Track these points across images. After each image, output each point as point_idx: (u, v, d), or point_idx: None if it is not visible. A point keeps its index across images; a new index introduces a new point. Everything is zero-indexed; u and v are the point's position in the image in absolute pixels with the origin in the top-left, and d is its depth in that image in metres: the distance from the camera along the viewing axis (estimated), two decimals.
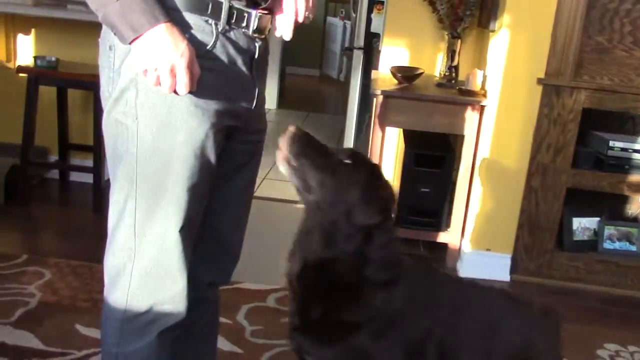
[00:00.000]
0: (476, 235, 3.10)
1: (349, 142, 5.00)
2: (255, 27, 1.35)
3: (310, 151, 1.37)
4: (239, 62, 1.35)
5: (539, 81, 2.88)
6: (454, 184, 3.21)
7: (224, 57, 1.32)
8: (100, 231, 3.32)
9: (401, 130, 3.58)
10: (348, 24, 8.16)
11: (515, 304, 1.66)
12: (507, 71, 2.91)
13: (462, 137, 3.12)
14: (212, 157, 1.36)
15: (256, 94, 1.44)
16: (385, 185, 1.40)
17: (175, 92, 1.24)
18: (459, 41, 3.25)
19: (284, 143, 1.39)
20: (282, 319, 2.48)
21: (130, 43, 1.22)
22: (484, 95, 3.04)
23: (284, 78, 7.45)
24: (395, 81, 3.20)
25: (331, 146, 1.43)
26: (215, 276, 1.65)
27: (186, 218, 1.36)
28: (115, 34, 1.24)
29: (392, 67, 3.28)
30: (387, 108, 3.04)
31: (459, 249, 3.18)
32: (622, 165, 3.00)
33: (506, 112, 2.95)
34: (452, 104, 3.02)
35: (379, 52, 4.34)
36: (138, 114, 1.30)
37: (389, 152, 3.73)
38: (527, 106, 2.93)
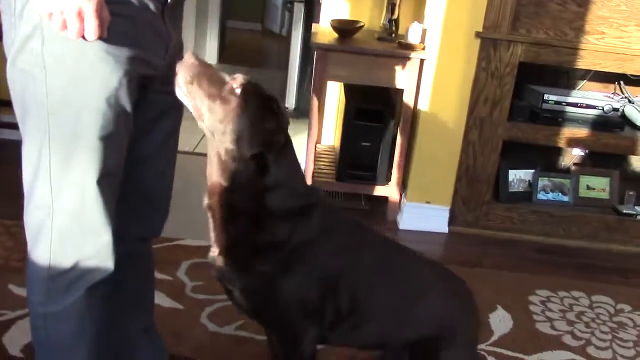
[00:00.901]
0: (415, 189, 3.14)
1: (291, 96, 4.97)
2: None
3: (203, 79, 1.37)
4: (151, 7, 1.31)
5: (477, 35, 2.91)
6: (394, 137, 3.24)
7: (135, 2, 1.27)
8: None
9: (342, 84, 3.57)
10: None
11: (440, 280, 1.68)
12: (446, 25, 2.92)
13: (402, 91, 3.14)
14: (127, 106, 1.32)
15: (170, 42, 1.40)
16: (273, 116, 1.39)
17: (83, 37, 1.18)
18: None
19: (179, 69, 1.39)
20: None
21: None
22: (423, 49, 3.04)
23: (224, 32, 7.28)
24: (335, 35, 3.17)
25: (229, 75, 1.42)
26: (144, 230, 1.63)
27: (104, 169, 1.32)
28: None
29: (332, 20, 3.25)
30: (327, 62, 3.02)
31: (399, 202, 3.23)
32: (556, 118, 3.08)
33: (445, 65, 2.97)
34: (391, 57, 3.01)
35: (319, 4, 4.29)
36: (45, 63, 1.24)
37: (330, 107, 3.72)
38: (465, 60, 2.96)
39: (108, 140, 1.31)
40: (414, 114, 3.11)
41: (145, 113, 1.44)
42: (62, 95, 1.25)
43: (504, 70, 2.95)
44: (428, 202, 3.15)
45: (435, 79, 2.99)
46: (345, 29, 3.16)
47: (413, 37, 3.08)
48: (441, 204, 3.15)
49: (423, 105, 3.05)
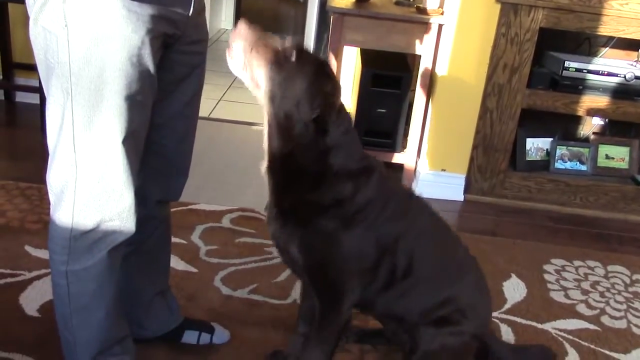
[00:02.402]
0: (432, 156, 3.12)
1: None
2: None
3: (259, 46, 1.39)
4: None
5: (497, 0, 2.84)
6: (410, 104, 3.20)
7: None
8: (16, 149, 3.22)
9: (359, 49, 3.52)
10: None
11: (472, 260, 1.75)
12: None
13: (420, 56, 3.09)
14: (150, 66, 1.31)
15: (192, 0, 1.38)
16: (329, 80, 1.42)
17: None
18: None
19: (232, 39, 1.40)
20: (237, 239, 2.49)
21: None
22: (442, 14, 2.98)
23: None
24: None
25: (280, 39, 1.42)
26: (164, 193, 1.63)
27: (128, 129, 1.32)
28: None
29: None
30: (344, 27, 2.97)
31: (415, 169, 3.20)
32: (577, 85, 3.02)
33: (464, 31, 2.91)
34: (409, 22, 2.96)
35: None
36: (67, 21, 1.23)
37: (347, 72, 3.68)
38: (484, 25, 2.90)
39: (131, 100, 1.30)
40: (431, 80, 3.06)
41: (168, 74, 1.43)
42: (84, 54, 1.25)
43: (524, 36, 2.89)
44: (444, 170, 3.13)
45: (454, 44, 2.93)
46: None
47: (431, 2, 3.02)
48: (457, 171, 3.12)
49: (441, 72, 3.00)
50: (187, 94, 1.53)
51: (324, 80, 1.40)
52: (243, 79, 1.43)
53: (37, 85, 3.23)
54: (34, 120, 3.27)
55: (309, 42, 4.84)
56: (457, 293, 1.64)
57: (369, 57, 3.33)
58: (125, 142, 1.33)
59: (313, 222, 1.48)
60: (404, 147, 3.22)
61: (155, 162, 1.54)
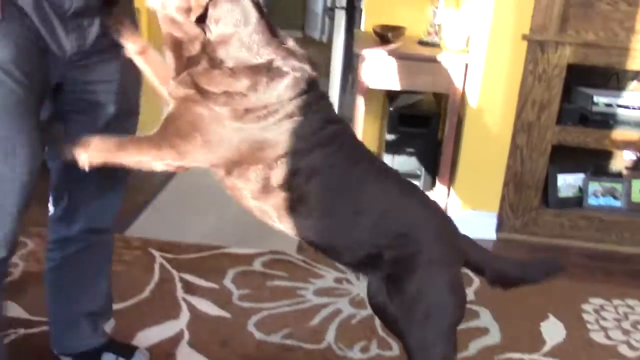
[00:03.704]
0: (462, 195, 3.10)
1: (333, 103, 4.95)
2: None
3: None
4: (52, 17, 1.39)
5: (524, 37, 2.85)
6: (439, 143, 3.20)
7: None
8: None
9: (385, 90, 3.54)
10: None
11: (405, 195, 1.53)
12: (492, 28, 2.87)
13: (447, 95, 3.09)
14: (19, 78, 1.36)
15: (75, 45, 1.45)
16: None
17: None
18: None
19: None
20: (269, 283, 2.48)
21: None
22: (468, 53, 3.00)
23: None
24: (378, 40, 3.15)
25: None
26: (92, 220, 1.73)
27: None
28: None
29: (375, 26, 3.23)
30: (371, 68, 3.00)
31: (445, 208, 3.18)
32: (607, 120, 2.99)
33: (491, 69, 2.92)
34: (435, 62, 2.98)
35: (361, 11, 4.27)
36: None
37: (373, 113, 3.69)
38: (512, 63, 2.90)
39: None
40: (459, 119, 3.06)
41: (69, 105, 1.55)
42: None
43: (552, 72, 2.89)
44: (475, 208, 3.10)
45: (482, 83, 2.94)
46: (388, 34, 3.14)
47: (457, 41, 3.04)
48: (488, 210, 3.09)
49: (469, 110, 3.00)
50: (99, 121, 1.58)
51: None
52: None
53: None
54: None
55: (334, 83, 4.88)
56: (381, 224, 1.46)
57: (395, 97, 3.35)
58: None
59: (202, 102, 1.38)
60: (433, 186, 3.21)
61: (81, 187, 1.64)
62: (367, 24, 3.53)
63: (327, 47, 7.02)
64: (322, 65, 7.67)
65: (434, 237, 1.51)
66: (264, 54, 1.38)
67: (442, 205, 3.16)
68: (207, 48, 1.39)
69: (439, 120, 3.21)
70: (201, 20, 1.36)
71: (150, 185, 3.42)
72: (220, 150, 1.41)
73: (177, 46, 1.43)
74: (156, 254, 2.62)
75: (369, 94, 3.09)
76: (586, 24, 2.83)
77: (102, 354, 1.92)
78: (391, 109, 3.21)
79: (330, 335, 2.16)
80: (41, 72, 1.43)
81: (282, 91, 1.37)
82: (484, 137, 3.01)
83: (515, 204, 3.07)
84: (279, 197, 1.44)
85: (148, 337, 2.10)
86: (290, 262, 2.62)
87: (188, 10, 1.36)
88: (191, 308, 2.25)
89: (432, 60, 2.98)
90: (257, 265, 2.61)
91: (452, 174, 3.14)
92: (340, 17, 4.72)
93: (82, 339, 1.90)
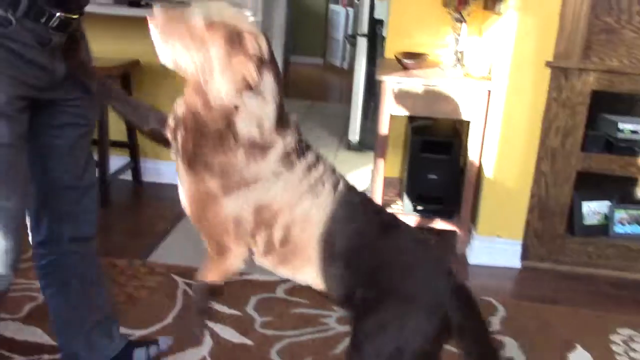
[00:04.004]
0: (485, 222, 3.07)
1: (355, 130, 4.97)
2: (56, 25, 1.52)
3: (172, 30, 1.42)
4: (36, 46, 1.50)
5: (547, 64, 2.84)
6: (461, 170, 3.18)
7: (19, 40, 1.45)
8: (108, 226, 3.31)
9: (407, 116, 3.54)
10: (351, 11, 8.10)
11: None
12: (515, 54, 2.87)
13: (469, 122, 3.09)
14: (14, 121, 1.49)
15: (56, 72, 1.58)
16: (244, 54, 1.40)
17: None
18: (464, 25, 3.20)
19: (154, 26, 1.45)
20: (292, 310, 2.47)
21: None
22: (490, 80, 3.00)
23: (287, 67, 7.40)
24: (401, 67, 3.16)
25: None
26: (76, 230, 1.79)
27: None
28: None
29: (397, 53, 3.24)
30: (393, 95, 3.00)
31: (469, 235, 3.15)
32: (632, 147, 2.96)
33: (514, 96, 2.91)
34: (458, 88, 2.98)
35: (383, 38, 4.30)
36: None
37: (395, 139, 3.70)
38: (535, 90, 2.89)
39: None
40: (482, 145, 3.05)
41: (51, 121, 1.66)
42: None
43: (575, 99, 2.87)
44: (499, 236, 3.07)
45: (504, 109, 2.93)
46: (411, 61, 3.15)
47: (479, 68, 3.04)
48: (512, 237, 3.06)
49: (491, 137, 2.99)
50: (72, 137, 1.71)
51: (237, 58, 1.39)
52: (168, 64, 1.46)
53: (96, 159, 3.35)
54: (124, 197, 3.39)
55: (356, 109, 4.90)
56: (368, 262, 1.47)
57: (417, 123, 3.35)
58: None
59: (200, 174, 1.47)
60: (456, 213, 3.18)
61: (60, 202, 1.72)
62: (389, 50, 3.54)
63: (348, 73, 7.07)
64: (343, 92, 7.70)
65: (406, 278, 1.45)
66: (269, 134, 1.46)
67: (465, 232, 3.14)
68: (230, 124, 1.43)
69: (461, 146, 3.19)
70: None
71: (172, 212, 3.44)
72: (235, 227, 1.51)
73: (196, 120, 1.46)
74: (179, 280, 2.62)
75: (391, 120, 3.09)
76: (610, 50, 2.82)
77: (131, 353, 1.98)
78: (413, 135, 3.20)
79: None
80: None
81: (271, 163, 1.46)
82: (507, 164, 2.99)
83: (540, 231, 3.04)
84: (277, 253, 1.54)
85: None
86: (313, 290, 2.60)
87: (240, 82, 1.40)
88: (214, 335, 2.25)
89: (455, 87, 2.98)
90: (279, 292, 2.59)
91: (475, 201, 3.12)
92: (362, 44, 4.76)
93: (103, 350, 1.92)
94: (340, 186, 1.55)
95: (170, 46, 1.42)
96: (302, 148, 1.53)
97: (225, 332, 2.28)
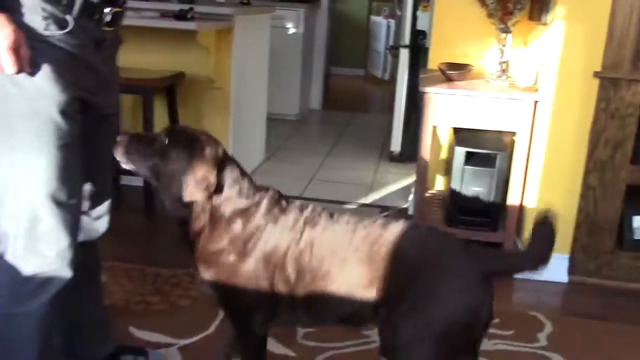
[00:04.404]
0: None
1: (397, 141, 4.95)
2: (108, 21, 1.59)
3: (135, 146, 1.67)
4: (89, 45, 1.56)
5: (596, 74, 2.78)
6: (506, 182, 3.13)
7: (75, 40, 1.50)
8: (152, 234, 3.36)
9: (451, 127, 3.51)
10: (392, 22, 8.08)
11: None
12: (561, 65, 2.82)
13: (515, 133, 3.04)
14: (74, 119, 1.54)
15: (101, 73, 1.63)
16: (204, 160, 1.64)
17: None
18: (510, 35, 3.17)
19: (115, 152, 1.68)
20: None
21: None
22: (537, 91, 2.95)
23: (328, 78, 7.43)
24: (444, 78, 3.14)
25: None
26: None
27: (60, 175, 1.52)
28: None
29: (441, 64, 3.22)
30: (437, 106, 2.98)
31: (514, 249, 3.09)
32: None
33: (561, 107, 2.86)
34: (503, 100, 2.94)
35: (426, 49, 4.27)
36: (13, 82, 1.47)
37: (438, 151, 3.67)
38: (582, 101, 2.83)
39: (62, 149, 1.51)
40: (528, 157, 3.00)
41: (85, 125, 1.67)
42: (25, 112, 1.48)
43: (625, 110, 2.80)
44: None
45: (551, 121, 2.88)
46: (455, 72, 3.13)
47: (526, 79, 3.00)
48: (560, 251, 2.98)
49: (537, 149, 2.94)
50: (100, 143, 1.76)
51: (198, 164, 1.63)
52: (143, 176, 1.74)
53: None
54: (138, 203, 3.43)
55: (398, 121, 4.88)
56: (389, 275, 1.60)
57: (461, 134, 3.32)
58: (61, 189, 1.52)
59: (217, 263, 1.70)
60: (502, 226, 3.13)
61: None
62: (432, 61, 3.52)
63: (389, 84, 7.06)
64: (384, 103, 7.71)
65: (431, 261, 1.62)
66: (250, 196, 1.71)
67: (510, 245, 3.08)
68: (207, 210, 1.68)
69: (506, 158, 3.14)
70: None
71: None
72: (257, 288, 1.70)
73: (175, 204, 1.69)
74: None
75: (434, 131, 3.06)
76: None
77: (118, 358, 2.03)
78: (457, 146, 3.17)
79: None
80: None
81: (264, 211, 1.70)
82: (553, 176, 2.93)
83: (588, 246, 2.96)
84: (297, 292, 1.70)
85: None
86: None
87: (206, 189, 1.65)
88: None
89: (500, 98, 2.94)
90: None
91: (520, 213, 3.06)
92: (405, 56, 4.75)
93: (96, 349, 1.98)
94: (336, 215, 1.73)
95: (132, 162, 1.68)
96: (284, 197, 1.77)
97: (267, 343, 2.28)
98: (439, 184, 3.75)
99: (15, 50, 1.40)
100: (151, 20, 3.50)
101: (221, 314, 2.46)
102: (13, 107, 1.47)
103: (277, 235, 1.68)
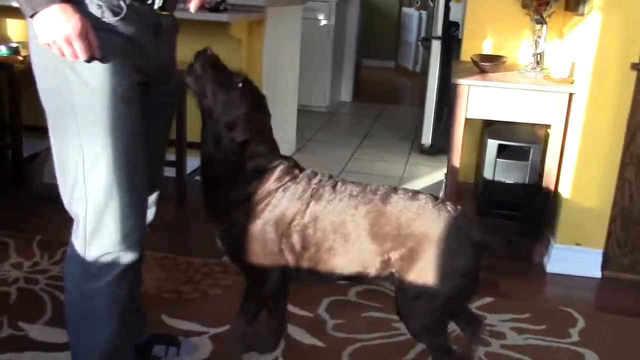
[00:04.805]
0: (565, 229, 2.96)
1: (427, 133, 4.92)
2: (160, 5, 1.61)
3: (214, 68, 1.76)
4: (145, 30, 1.59)
5: (633, 66, 2.72)
6: (540, 175, 3.09)
7: (131, 27, 1.54)
8: (184, 224, 3.39)
9: (483, 120, 3.48)
10: (424, 14, 8.02)
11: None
12: (598, 56, 2.76)
13: (548, 126, 3.00)
14: (136, 104, 1.59)
15: (158, 56, 1.67)
16: (264, 112, 1.81)
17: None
18: (545, 26, 3.11)
19: (196, 56, 1.76)
20: (364, 314, 2.46)
21: (31, 17, 1.43)
22: (572, 83, 2.90)
23: (359, 70, 7.40)
24: (477, 70, 3.10)
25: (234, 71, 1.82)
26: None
27: (128, 160, 1.58)
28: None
29: (474, 55, 3.19)
30: (470, 98, 2.95)
31: (547, 243, 3.06)
32: None
33: (597, 99, 2.81)
34: (537, 92, 2.89)
35: (458, 41, 4.23)
36: (78, 73, 1.51)
37: (470, 143, 3.63)
38: (619, 93, 2.78)
39: (129, 135, 1.57)
40: (562, 150, 2.95)
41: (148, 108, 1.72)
42: (88, 100, 1.53)
43: None
44: (578, 244, 2.96)
45: (586, 113, 2.82)
46: (488, 63, 3.09)
47: (560, 71, 2.94)
48: (593, 246, 2.94)
49: (572, 142, 2.89)
50: (163, 120, 1.84)
51: (262, 110, 1.78)
52: (192, 87, 1.78)
53: (174, 159, 3.44)
54: (170, 192, 3.45)
55: (429, 113, 4.85)
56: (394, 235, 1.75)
57: (493, 127, 3.28)
58: (127, 172, 1.58)
59: (228, 217, 1.82)
60: (534, 220, 3.09)
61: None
62: (465, 53, 3.49)
63: (420, 76, 7.00)
64: (415, 95, 7.67)
65: (430, 229, 1.75)
66: (273, 161, 1.82)
67: (543, 239, 3.05)
68: (237, 157, 1.79)
69: (540, 151, 3.10)
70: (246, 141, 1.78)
71: None
72: (265, 249, 1.82)
73: (213, 139, 1.80)
74: None
75: (466, 123, 3.03)
76: None
77: (152, 346, 2.08)
78: (489, 139, 3.14)
79: None
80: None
81: (278, 176, 1.81)
82: (588, 170, 2.88)
83: (623, 241, 2.91)
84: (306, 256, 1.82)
85: None
86: (385, 294, 2.58)
87: (254, 129, 1.79)
88: (286, 336, 2.26)
89: (534, 90, 2.89)
90: (351, 296, 2.59)
91: (554, 207, 3.02)
92: (437, 47, 4.71)
93: (135, 336, 2.00)
94: (339, 185, 1.83)
95: (205, 74, 1.76)
96: (299, 166, 1.87)
97: (297, 333, 2.29)
98: (470, 177, 3.71)
99: (85, 37, 1.44)
100: (185, 12, 3.52)
101: None
102: (76, 94, 1.51)
103: (285, 203, 1.78)
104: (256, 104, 1.80)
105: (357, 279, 1.86)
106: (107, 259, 1.62)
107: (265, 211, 1.78)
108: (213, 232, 1.89)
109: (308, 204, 1.78)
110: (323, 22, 6.00)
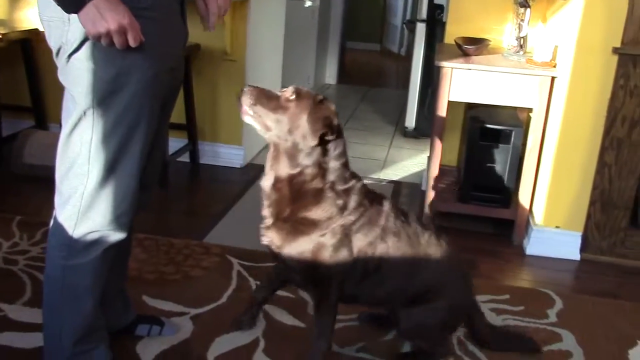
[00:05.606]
0: (545, 212, 2.99)
1: (411, 116, 4.92)
2: None
3: (263, 99, 1.75)
4: (175, 8, 1.62)
5: (615, 50, 2.74)
6: (521, 158, 3.11)
7: (162, 7, 1.55)
8: (166, 205, 3.38)
9: (466, 103, 3.49)
10: None
11: (438, 244, 1.97)
12: (580, 40, 2.77)
13: (530, 110, 3.01)
14: (158, 93, 1.60)
15: (186, 35, 1.72)
16: (325, 107, 1.75)
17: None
18: (528, 10, 3.12)
19: (241, 99, 1.75)
20: None
21: (75, 12, 1.41)
22: (554, 67, 2.91)
23: (344, 53, 7.38)
24: (461, 53, 3.10)
25: (279, 90, 1.80)
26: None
27: (135, 145, 1.59)
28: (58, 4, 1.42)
29: (457, 38, 3.19)
30: (452, 81, 2.95)
31: (527, 225, 3.09)
32: None
33: (578, 83, 2.82)
34: (520, 75, 2.90)
35: (443, 24, 4.23)
36: (98, 59, 1.51)
37: (453, 126, 3.65)
38: (601, 77, 2.79)
39: (142, 124, 1.57)
40: (544, 134, 2.97)
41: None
42: (108, 86, 1.53)
43: None
44: (558, 227, 2.99)
45: (568, 97, 2.84)
46: (472, 46, 3.09)
47: (543, 54, 2.95)
48: (572, 229, 2.98)
49: (553, 125, 2.91)
50: (172, 105, 1.83)
51: (321, 108, 1.73)
52: (255, 126, 1.77)
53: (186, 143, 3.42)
54: (182, 179, 3.47)
55: (413, 96, 4.85)
56: (425, 276, 1.92)
57: (476, 110, 3.29)
58: (133, 154, 1.59)
59: (307, 234, 1.79)
60: (515, 202, 3.12)
61: (148, 172, 1.78)
62: (449, 36, 3.49)
63: (405, 59, 7.00)
64: (399, 78, 7.66)
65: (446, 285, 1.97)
66: (347, 180, 1.83)
67: (523, 222, 3.07)
68: (316, 169, 1.77)
69: (521, 134, 3.12)
70: (322, 141, 1.74)
71: (229, 193, 3.49)
72: (339, 268, 1.84)
73: (290, 157, 1.78)
74: (234, 261, 2.66)
75: (449, 106, 3.04)
76: None
77: (135, 326, 2.09)
78: (472, 122, 3.15)
79: (405, 350, 2.13)
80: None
81: (356, 202, 1.83)
82: (569, 154, 2.91)
83: (602, 224, 2.95)
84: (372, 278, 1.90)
85: (225, 343, 2.13)
86: None
87: (324, 126, 1.72)
88: (267, 316, 2.27)
89: (517, 73, 2.90)
90: None
91: (534, 190, 3.04)
92: (421, 30, 4.70)
93: (117, 317, 2.03)
94: (409, 220, 1.93)
95: (259, 109, 1.74)
96: (371, 191, 1.91)
97: (278, 314, 2.30)
98: (452, 159, 3.73)
99: (133, 24, 1.44)
100: None
101: (233, 285, 2.49)
102: (103, 74, 1.51)
103: (366, 229, 1.83)
104: (316, 104, 1.75)
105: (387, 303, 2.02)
106: (94, 236, 1.64)
107: (348, 232, 1.81)
108: (274, 243, 1.85)
109: (384, 238, 1.86)
110: (308, 4, 5.96)
